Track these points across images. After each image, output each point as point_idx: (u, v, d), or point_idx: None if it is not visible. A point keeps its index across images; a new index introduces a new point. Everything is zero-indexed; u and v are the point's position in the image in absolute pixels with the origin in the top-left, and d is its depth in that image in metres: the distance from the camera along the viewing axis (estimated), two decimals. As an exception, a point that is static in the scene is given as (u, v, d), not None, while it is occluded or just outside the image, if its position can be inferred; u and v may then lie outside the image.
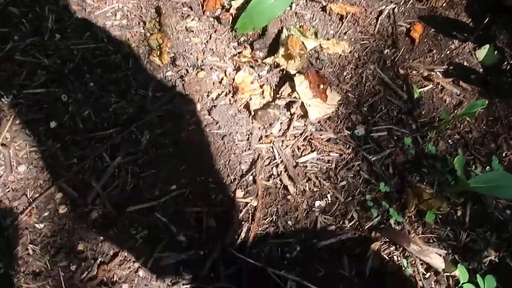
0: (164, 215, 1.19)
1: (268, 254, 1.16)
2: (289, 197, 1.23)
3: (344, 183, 1.26)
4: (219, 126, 1.33)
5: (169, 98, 1.38)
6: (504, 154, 1.34)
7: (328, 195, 1.24)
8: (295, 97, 1.35)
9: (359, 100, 1.39)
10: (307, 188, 1.25)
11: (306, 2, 1.56)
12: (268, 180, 1.26)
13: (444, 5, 1.57)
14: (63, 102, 1.36)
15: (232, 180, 1.25)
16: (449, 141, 1.35)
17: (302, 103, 1.34)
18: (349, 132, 1.34)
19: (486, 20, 1.51)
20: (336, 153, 1.30)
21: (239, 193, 1.23)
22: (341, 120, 1.35)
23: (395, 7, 1.54)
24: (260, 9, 1.46)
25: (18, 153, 1.29)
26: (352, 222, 1.21)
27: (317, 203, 1.23)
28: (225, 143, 1.30)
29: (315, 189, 1.25)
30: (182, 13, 1.56)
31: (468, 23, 1.54)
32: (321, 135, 1.32)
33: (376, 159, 1.30)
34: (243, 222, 1.20)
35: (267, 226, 1.20)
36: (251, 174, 1.26)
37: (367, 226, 1.21)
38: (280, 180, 1.26)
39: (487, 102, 1.23)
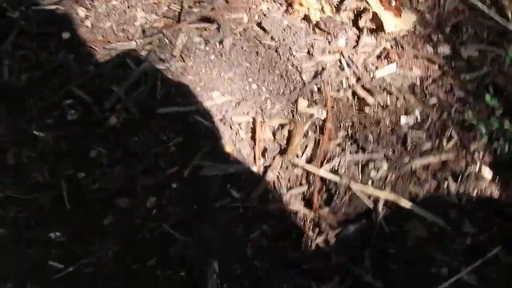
0: (206, 120, 0.89)
1: (346, 172, 0.85)
2: (367, 109, 0.95)
3: (434, 100, 0.98)
4: (271, 37, 1.07)
5: (209, 10, 1.13)
6: None
7: (417, 111, 0.95)
8: (364, 8, 1.11)
9: (439, 20, 1.14)
10: (388, 102, 0.96)
11: None
12: (338, 91, 0.98)
13: None
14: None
15: (292, 89, 0.97)
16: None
17: (374, 14, 1.09)
18: (432, 50, 1.07)
19: None
20: (421, 69, 1.03)
21: (303, 103, 0.95)
22: (420, 38, 1.10)
23: None
24: None
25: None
26: (453, 142, 0.91)
27: (404, 119, 0.94)
28: (280, 54, 1.04)
29: (399, 104, 0.96)
30: None
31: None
32: (399, 51, 1.06)
33: (471, 78, 1.02)
34: (309, 135, 0.90)
35: (340, 141, 0.90)
36: (316, 84, 0.98)
37: (473, 147, 0.91)
38: (353, 92, 0.98)
39: None
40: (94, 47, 1.07)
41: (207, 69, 1.00)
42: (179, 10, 1.16)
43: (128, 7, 1.19)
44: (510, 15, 1.15)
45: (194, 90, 0.96)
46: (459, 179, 0.86)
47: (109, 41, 1.08)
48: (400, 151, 0.89)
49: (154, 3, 1.20)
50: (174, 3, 1.19)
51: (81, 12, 1.17)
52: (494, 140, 0.92)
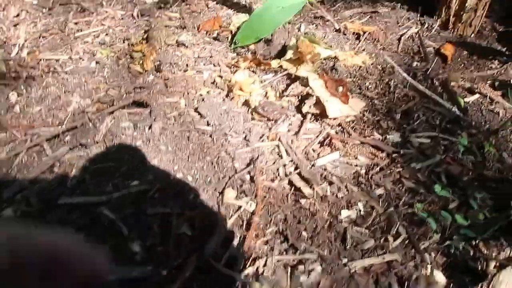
0: (113, 212, 0.78)
1: (272, 275, 0.72)
2: (303, 201, 0.84)
3: (380, 191, 0.88)
4: (207, 122, 1.00)
5: (145, 94, 1.07)
6: None
7: (360, 204, 0.85)
8: (308, 93, 1.05)
9: (389, 107, 1.08)
10: (328, 193, 0.86)
11: (316, 26, 1.38)
12: (273, 181, 0.88)
13: (472, 35, 1.38)
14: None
15: (221, 178, 0.87)
16: (516, 154, 1.00)
17: (318, 99, 1.03)
18: (380, 137, 1.00)
19: (525, 45, 1.31)
20: (366, 157, 0.94)
21: (230, 193, 0.84)
22: (368, 125, 1.03)
23: (418, 32, 1.35)
24: (264, 18, 1.26)
25: None
26: (400, 240, 0.79)
27: (345, 212, 0.83)
28: (214, 140, 0.96)
29: (340, 195, 0.86)
30: (173, 31, 1.37)
31: (503, 51, 1.33)
32: (344, 137, 0.98)
33: (422, 167, 0.93)
34: (234, 230, 0.78)
35: (270, 237, 0.78)
36: (248, 173, 0.88)
37: (423, 246, 0.78)
38: (290, 181, 0.88)
39: None
40: (15, 132, 0.99)
41: (131, 155, 0.91)
42: (116, 95, 1.11)
43: (65, 92, 1.13)
44: (462, 103, 1.10)
45: (112, 178, 0.86)
46: (406, 284, 0.72)
47: (33, 126, 1.01)
48: (338, 250, 0.77)
49: (93, 88, 1.14)
50: (113, 88, 1.14)
51: (12, 96, 1.10)
52: (448, 238, 0.80)
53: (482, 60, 1.27)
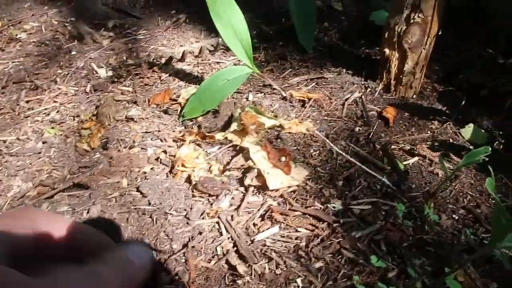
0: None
1: None
2: (239, 281, 0.82)
3: (320, 264, 0.87)
4: (148, 201, 1.00)
5: (88, 175, 1.07)
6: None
7: (299, 280, 0.84)
8: (249, 166, 1.07)
9: (331, 175, 1.10)
10: (266, 270, 0.85)
11: (264, 94, 1.42)
12: (209, 262, 0.86)
13: (414, 96, 1.44)
14: None
15: (156, 261, 0.86)
16: (454, 216, 1.02)
17: (259, 171, 1.04)
18: (321, 206, 1.01)
19: (463, 105, 1.37)
20: (307, 229, 0.95)
21: (163, 278, 0.82)
22: (310, 194, 1.04)
23: (361, 96, 1.40)
24: (211, 91, 1.30)
25: None
26: (338, 317, 0.78)
27: (282, 290, 0.82)
28: (154, 220, 0.95)
29: (278, 271, 0.85)
30: (124, 106, 1.39)
31: (444, 110, 1.39)
32: (285, 209, 0.99)
33: (362, 235, 0.94)
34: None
35: (203, 324, 0.76)
36: (184, 254, 0.87)
37: (361, 322, 0.77)
38: (227, 260, 0.87)
39: (490, 149, 0.96)
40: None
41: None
42: (59, 177, 1.10)
43: (7, 176, 1.12)
44: (402, 166, 1.12)
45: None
46: None
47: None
48: (273, 333, 0.75)
49: (37, 170, 1.14)
50: (56, 170, 1.13)
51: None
52: (386, 312, 0.79)
53: (423, 121, 1.32)
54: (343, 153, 1.15)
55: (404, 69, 1.40)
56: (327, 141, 1.18)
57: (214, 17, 1.28)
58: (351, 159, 1.14)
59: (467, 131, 1.29)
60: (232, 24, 1.29)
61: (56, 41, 1.83)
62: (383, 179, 1.08)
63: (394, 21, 1.36)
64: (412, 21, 1.32)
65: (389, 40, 1.39)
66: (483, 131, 1.29)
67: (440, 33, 1.36)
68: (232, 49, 1.29)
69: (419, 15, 1.31)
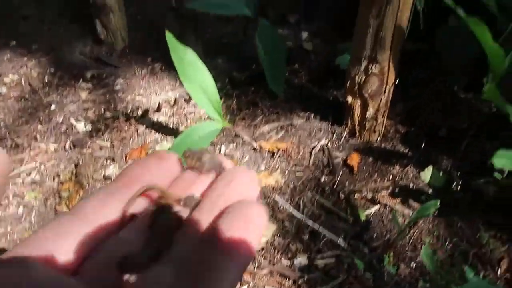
0: None
1: None
2: None
3: (285, 323, 0.94)
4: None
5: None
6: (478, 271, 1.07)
7: None
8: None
9: (298, 228, 1.17)
10: (234, 333, 0.91)
11: (236, 145, 1.50)
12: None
13: (378, 139, 1.53)
14: None
15: None
16: (412, 264, 1.09)
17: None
18: (288, 262, 1.08)
19: (424, 146, 1.46)
20: (274, 287, 1.01)
21: None
22: (278, 250, 1.11)
23: (328, 142, 1.48)
24: (185, 146, 1.37)
25: None
26: None
27: None
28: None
29: (246, 334, 0.92)
30: (102, 163, 1.46)
31: (406, 152, 1.47)
32: (252, 270, 1.06)
33: (325, 290, 1.01)
34: None
35: None
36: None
37: None
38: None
39: (439, 202, 1.04)
40: None
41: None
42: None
43: (-10, 244, 1.17)
44: (363, 216, 1.20)
45: None
46: None
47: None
48: None
49: (18, 237, 1.19)
50: (37, 236, 1.19)
51: None
52: None
53: (385, 166, 1.40)
54: (309, 206, 1.23)
55: (366, 115, 1.48)
56: (288, 206, 1.25)
57: (181, 76, 1.36)
58: (316, 212, 1.21)
59: (426, 174, 1.37)
60: (200, 83, 1.37)
61: (36, 95, 1.89)
62: (347, 228, 1.15)
63: (354, 71, 1.45)
64: (370, 71, 1.41)
65: (351, 89, 1.48)
66: (441, 173, 1.37)
67: (397, 81, 1.45)
68: (201, 107, 1.37)
69: (376, 66, 1.40)
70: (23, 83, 1.98)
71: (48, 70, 2.07)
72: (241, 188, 0.26)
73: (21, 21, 2.33)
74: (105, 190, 0.27)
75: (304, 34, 2.35)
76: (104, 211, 0.26)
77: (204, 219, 0.25)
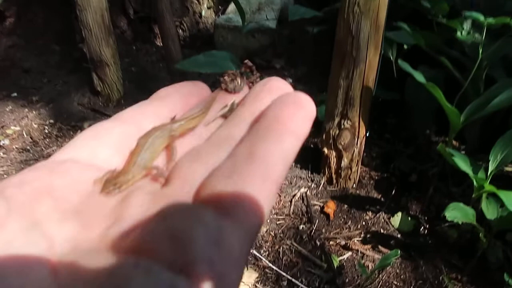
0: None
1: None
2: None
3: None
4: None
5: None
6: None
7: None
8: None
9: (278, 275, 1.29)
10: None
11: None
12: None
13: (354, 186, 1.67)
14: None
15: None
16: (381, 307, 1.22)
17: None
18: (268, 309, 1.20)
19: (394, 192, 1.60)
20: (254, 332, 1.13)
21: None
22: (259, 297, 1.23)
23: (307, 190, 1.62)
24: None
25: None
26: None
27: None
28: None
29: None
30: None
31: (379, 198, 1.61)
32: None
33: (301, 335, 1.12)
34: None
35: None
36: None
37: None
38: None
39: (399, 251, 1.17)
40: None
41: None
42: None
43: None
44: (337, 262, 1.32)
45: None
46: None
47: None
48: None
49: None
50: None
51: None
52: None
53: (359, 212, 1.53)
54: (288, 254, 1.35)
55: (342, 165, 1.62)
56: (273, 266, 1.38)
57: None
58: (294, 259, 1.34)
59: (396, 220, 1.50)
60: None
61: (37, 147, 2.03)
62: (322, 275, 1.28)
63: (328, 126, 1.60)
64: (342, 126, 1.56)
65: (326, 141, 1.62)
66: (409, 218, 1.51)
67: (367, 133, 1.60)
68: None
69: (348, 121, 1.55)
70: (25, 135, 2.12)
71: (48, 121, 2.21)
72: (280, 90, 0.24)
73: (22, 73, 2.49)
74: (139, 104, 0.27)
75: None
76: (144, 116, 0.26)
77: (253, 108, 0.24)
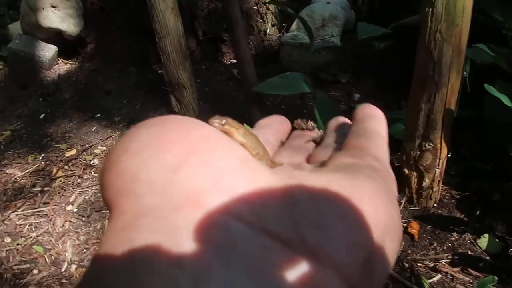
0: None
1: None
2: None
3: None
4: None
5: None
6: None
7: None
8: None
9: (369, 296, 1.34)
10: None
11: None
12: None
13: (435, 205, 1.68)
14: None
15: None
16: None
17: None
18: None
19: (478, 213, 1.60)
20: None
21: None
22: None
23: (388, 210, 1.65)
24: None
25: None
26: None
27: None
28: None
29: None
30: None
31: (462, 217, 1.62)
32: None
33: None
34: None
35: None
36: None
37: None
38: None
39: (496, 278, 1.19)
40: None
41: None
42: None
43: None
44: (427, 285, 1.35)
45: None
46: None
47: None
48: None
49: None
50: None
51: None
52: None
53: (444, 233, 1.55)
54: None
55: (423, 185, 1.65)
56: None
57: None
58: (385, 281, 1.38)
59: (483, 241, 1.51)
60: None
61: (124, 166, 2.18)
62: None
63: (409, 147, 1.63)
64: (424, 148, 1.59)
65: (407, 162, 1.65)
66: (497, 240, 1.51)
67: (449, 155, 1.61)
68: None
69: (430, 143, 1.57)
70: (111, 155, 2.28)
71: (130, 141, 2.35)
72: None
73: (104, 95, 2.67)
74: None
75: (356, 96, 2.55)
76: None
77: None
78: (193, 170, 0.16)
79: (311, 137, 0.31)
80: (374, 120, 0.25)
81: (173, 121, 0.18)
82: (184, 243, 0.14)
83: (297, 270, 0.15)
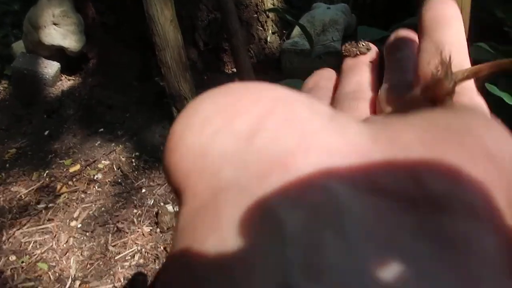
0: None
1: None
2: None
3: None
4: None
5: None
6: None
7: None
8: None
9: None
10: None
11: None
12: None
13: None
14: None
15: None
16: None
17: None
18: None
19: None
20: None
21: None
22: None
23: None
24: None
25: None
26: None
27: None
28: None
29: None
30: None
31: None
32: None
33: None
34: None
35: None
36: None
37: None
38: None
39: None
40: None
41: None
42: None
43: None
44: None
45: None
46: None
47: None
48: None
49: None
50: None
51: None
52: None
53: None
54: None
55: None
56: None
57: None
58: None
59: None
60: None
61: (127, 179, 2.18)
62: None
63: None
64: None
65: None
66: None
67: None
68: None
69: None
70: (115, 168, 2.28)
71: (134, 154, 2.36)
72: None
73: (107, 110, 2.68)
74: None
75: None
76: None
77: None
78: (273, 132, 0.14)
79: (369, 65, 0.24)
80: (452, 25, 0.20)
81: (240, 87, 0.16)
82: (281, 212, 0.12)
83: (431, 231, 0.12)
